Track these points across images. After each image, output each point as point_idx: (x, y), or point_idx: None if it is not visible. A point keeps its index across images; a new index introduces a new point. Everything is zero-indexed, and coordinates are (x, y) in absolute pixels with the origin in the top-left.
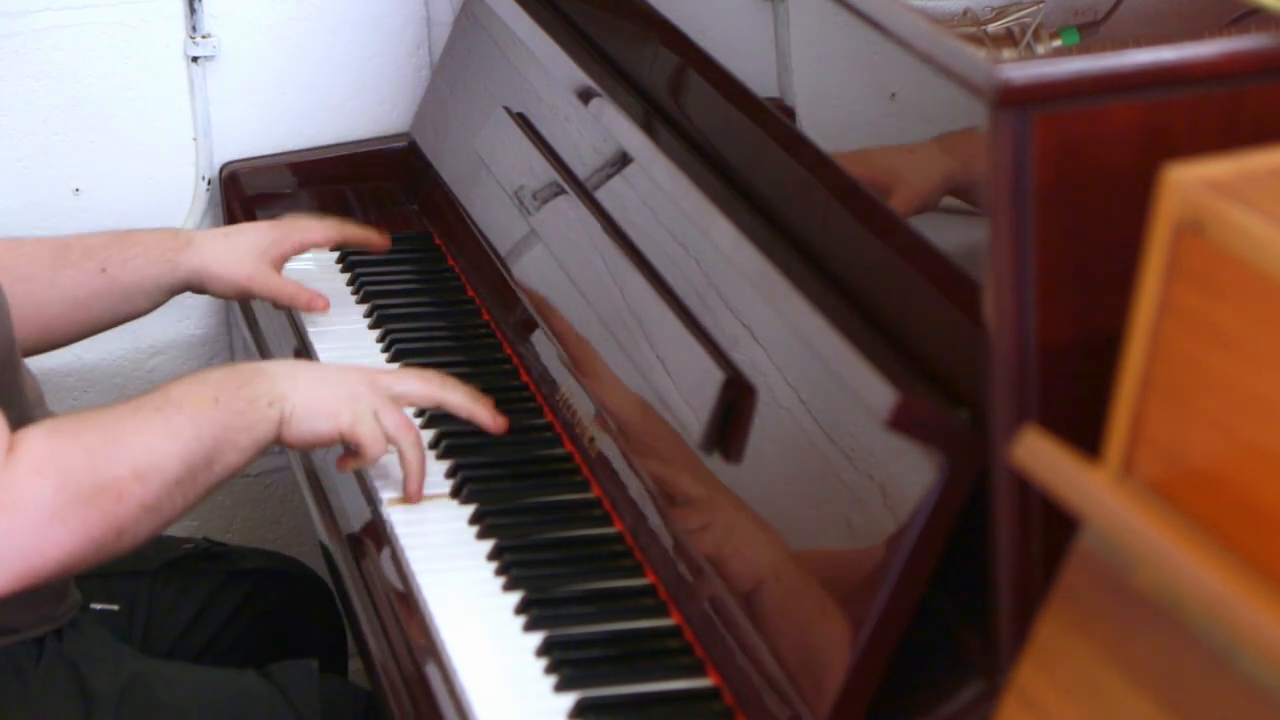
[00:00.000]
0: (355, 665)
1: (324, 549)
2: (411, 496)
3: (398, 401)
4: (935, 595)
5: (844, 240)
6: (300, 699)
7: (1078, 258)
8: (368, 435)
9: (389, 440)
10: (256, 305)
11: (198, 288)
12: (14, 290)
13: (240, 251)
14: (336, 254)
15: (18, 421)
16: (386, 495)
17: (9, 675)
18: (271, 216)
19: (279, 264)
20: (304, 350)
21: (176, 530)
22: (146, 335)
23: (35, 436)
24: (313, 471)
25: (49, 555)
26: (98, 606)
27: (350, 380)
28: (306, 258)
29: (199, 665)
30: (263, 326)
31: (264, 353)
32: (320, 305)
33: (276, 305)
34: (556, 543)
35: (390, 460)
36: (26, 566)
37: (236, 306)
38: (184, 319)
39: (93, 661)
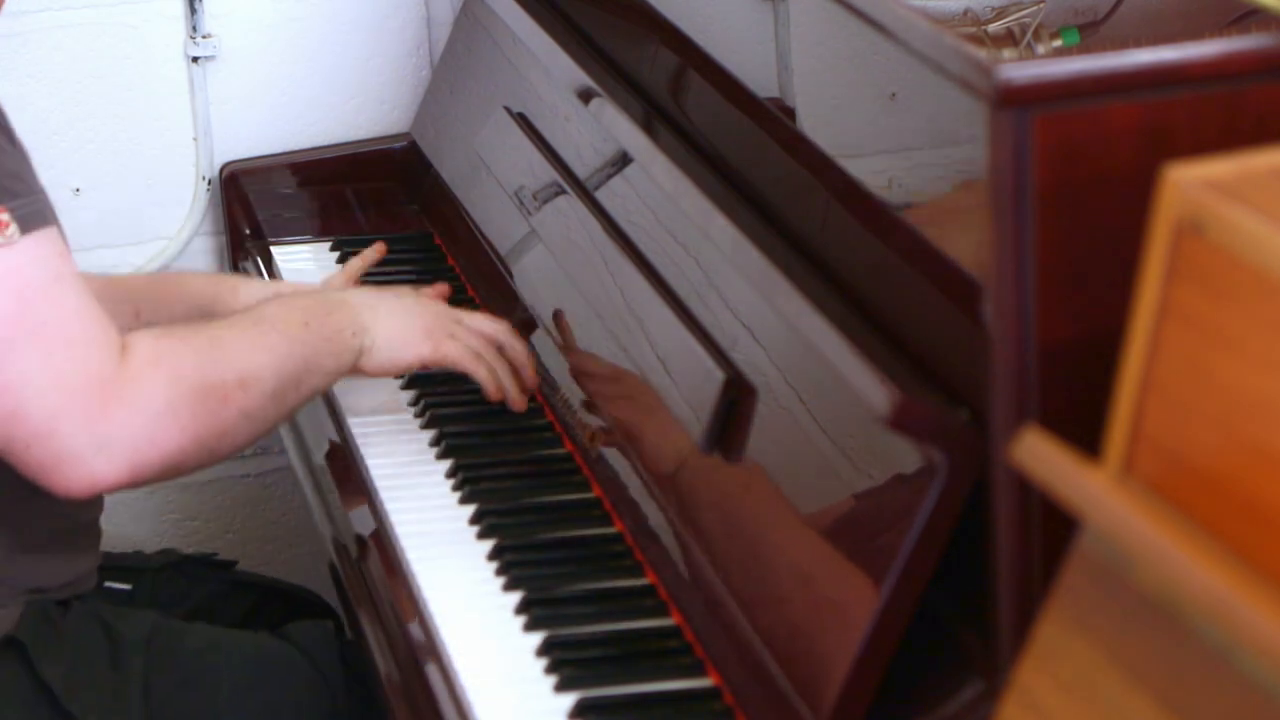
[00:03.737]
0: None
1: (324, 550)
2: (527, 383)
3: (466, 324)
4: (935, 595)
5: (844, 240)
6: (320, 657)
7: (1078, 258)
8: (454, 353)
9: (479, 351)
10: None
11: None
12: None
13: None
14: (336, 254)
15: None
16: (389, 497)
17: (40, 623)
18: (271, 216)
19: None
20: None
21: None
22: None
23: (146, 337)
24: (314, 471)
25: (162, 448)
26: (112, 585)
27: (426, 310)
28: (305, 256)
29: (214, 626)
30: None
31: None
32: None
33: None
34: (556, 543)
35: (389, 459)
36: (141, 459)
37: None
38: None
39: (118, 614)
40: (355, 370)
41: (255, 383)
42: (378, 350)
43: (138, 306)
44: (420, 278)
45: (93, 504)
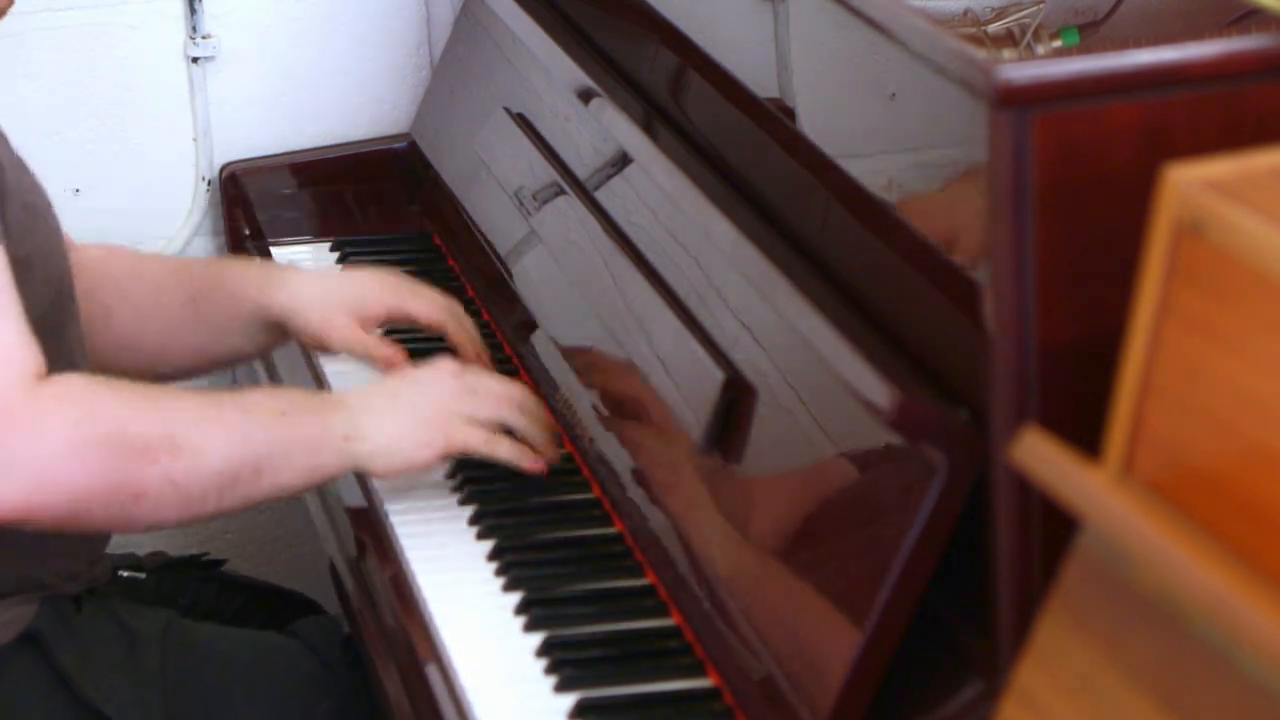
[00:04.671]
0: None
1: (324, 550)
2: (544, 456)
3: (480, 395)
4: (935, 595)
5: (844, 240)
6: (326, 652)
7: (1078, 258)
8: (469, 442)
9: (496, 429)
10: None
11: (285, 328)
12: (144, 319)
13: (329, 300)
14: (336, 254)
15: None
16: (389, 498)
17: (54, 620)
18: (272, 216)
19: (370, 324)
20: (305, 350)
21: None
22: None
23: (73, 376)
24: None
25: (61, 487)
26: (125, 573)
27: (433, 396)
28: (305, 256)
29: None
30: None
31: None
32: (397, 363)
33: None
34: (556, 543)
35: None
36: (38, 491)
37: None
38: None
39: (131, 608)
40: (363, 473)
41: (191, 452)
42: (386, 454)
43: (193, 294)
44: (420, 278)
45: None
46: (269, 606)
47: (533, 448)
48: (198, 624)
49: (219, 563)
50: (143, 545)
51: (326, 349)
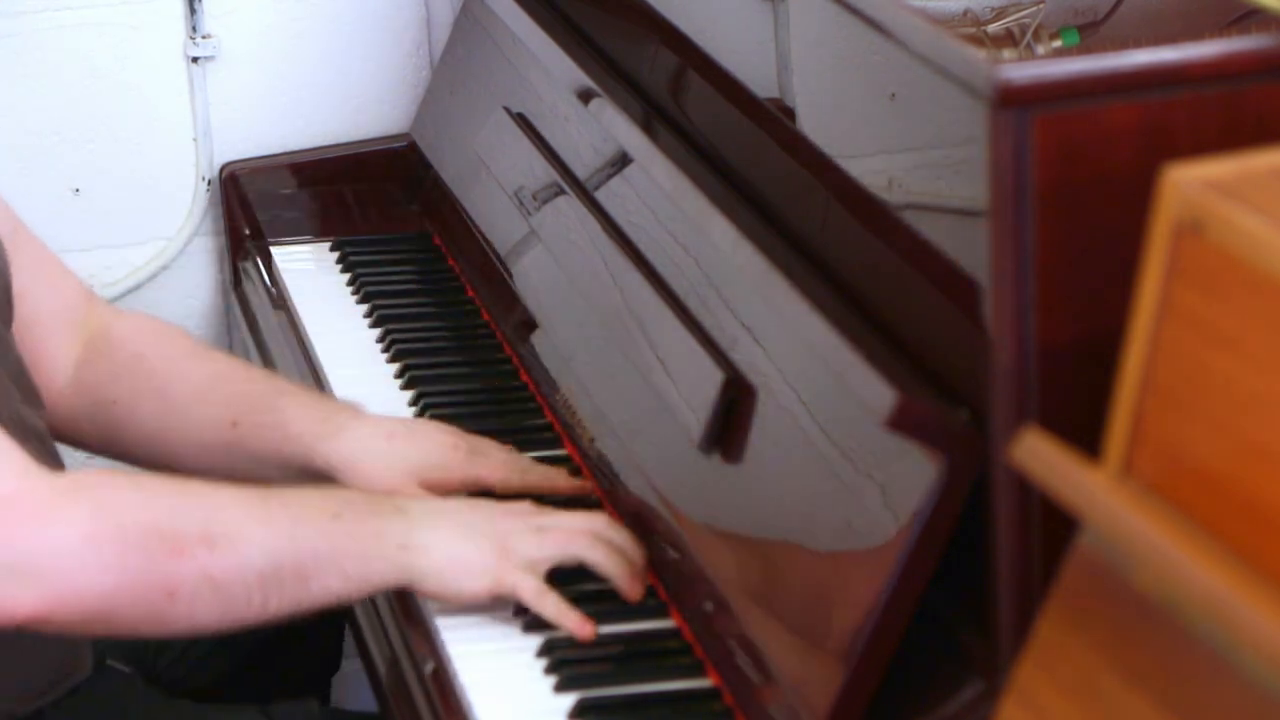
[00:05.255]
0: (355, 665)
1: None
2: (629, 594)
3: (547, 533)
4: (935, 595)
5: (844, 240)
6: None
7: (1078, 258)
8: (520, 588)
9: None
10: (256, 305)
11: (335, 480)
12: (147, 406)
13: (396, 465)
14: (336, 254)
15: None
16: None
17: None
18: (272, 217)
19: (438, 490)
20: (305, 351)
21: None
22: None
23: (85, 471)
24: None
25: (83, 586)
26: (115, 664)
27: (498, 527)
28: (305, 256)
29: (200, 704)
30: (262, 326)
31: (263, 352)
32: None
33: None
34: None
35: None
36: (59, 593)
37: (237, 307)
38: (185, 319)
39: (100, 708)
40: (411, 590)
41: (230, 548)
42: (438, 575)
43: (236, 417)
44: (421, 278)
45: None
46: (271, 652)
47: (616, 582)
48: (167, 715)
49: None
50: None
51: None
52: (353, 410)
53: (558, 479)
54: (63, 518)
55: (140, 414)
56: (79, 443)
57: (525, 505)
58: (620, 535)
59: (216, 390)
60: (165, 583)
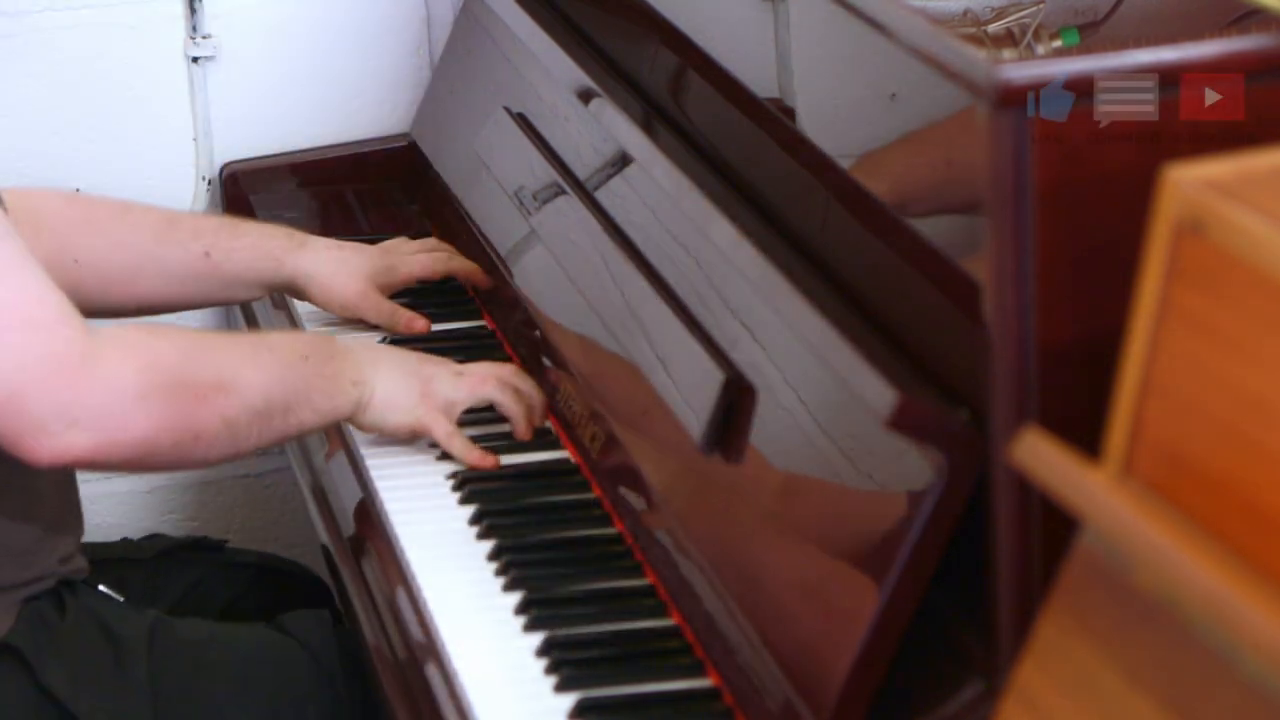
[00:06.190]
0: None
1: (324, 549)
2: (523, 434)
3: (466, 376)
4: (935, 595)
5: (844, 240)
6: (317, 646)
7: (1078, 258)
8: (437, 431)
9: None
10: (256, 305)
11: (297, 292)
12: (111, 257)
13: (353, 269)
14: None
15: None
16: (388, 496)
17: (37, 627)
18: (272, 217)
19: (385, 292)
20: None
21: (177, 525)
22: None
23: (123, 327)
24: (313, 471)
25: (130, 432)
26: (105, 590)
27: (424, 373)
28: None
29: (207, 620)
30: (263, 326)
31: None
32: (419, 326)
33: (377, 326)
34: (556, 543)
35: (389, 459)
36: (109, 437)
37: (237, 307)
38: (185, 319)
39: (115, 614)
40: (349, 422)
41: (238, 392)
42: (372, 408)
43: (209, 247)
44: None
45: (65, 486)
46: (271, 588)
47: (514, 422)
48: (185, 622)
49: (220, 544)
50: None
51: (354, 316)
52: (300, 233)
53: (475, 270)
54: (113, 371)
55: (106, 266)
56: None
57: (442, 363)
58: (526, 383)
59: (177, 228)
60: (193, 425)
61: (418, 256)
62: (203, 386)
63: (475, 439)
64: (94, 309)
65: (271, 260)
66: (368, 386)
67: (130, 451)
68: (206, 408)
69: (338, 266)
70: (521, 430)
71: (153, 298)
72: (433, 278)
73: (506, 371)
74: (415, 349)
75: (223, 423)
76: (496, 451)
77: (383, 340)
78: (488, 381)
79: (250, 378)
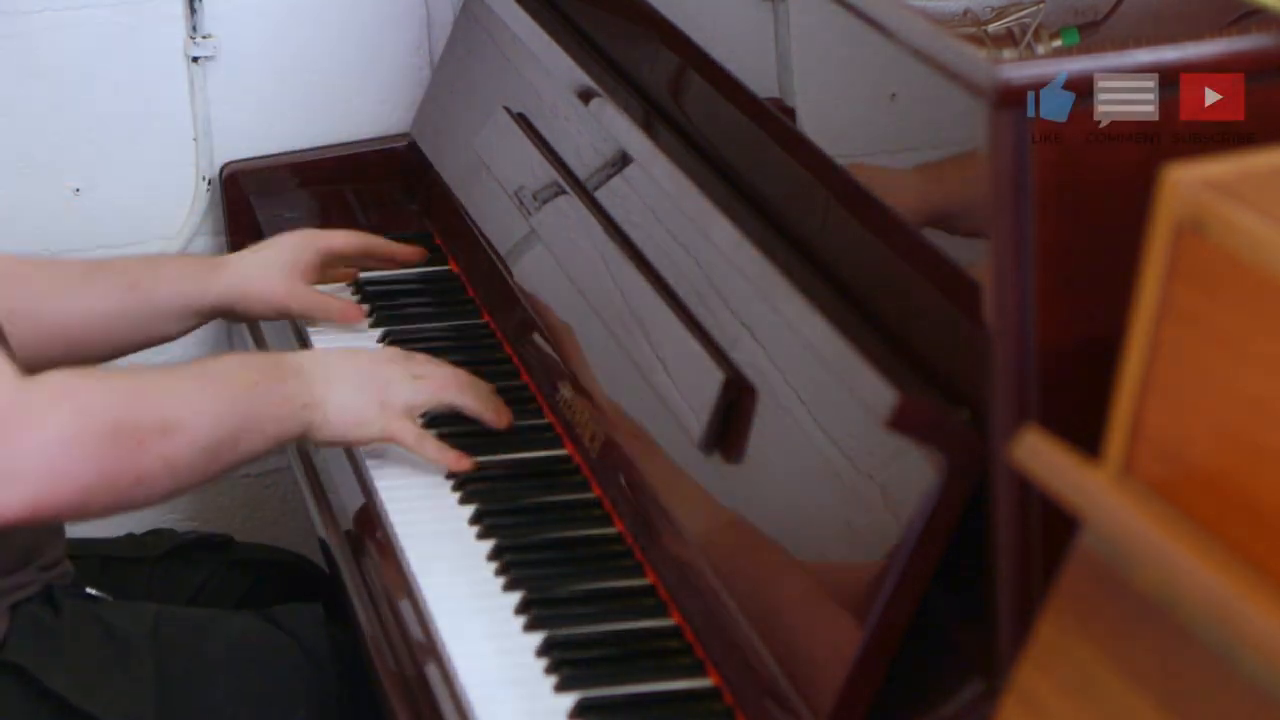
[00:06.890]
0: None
1: (324, 549)
2: (496, 424)
3: (424, 381)
4: (935, 595)
5: (844, 240)
6: (309, 641)
7: (1078, 258)
8: (402, 436)
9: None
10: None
11: (230, 311)
12: (40, 308)
13: (273, 267)
14: None
15: None
16: (388, 496)
17: (37, 630)
18: (272, 216)
19: (310, 276)
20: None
21: (178, 525)
22: None
23: (58, 373)
24: (313, 471)
25: (66, 483)
26: (92, 591)
27: (380, 379)
28: None
29: (200, 610)
30: (262, 326)
31: (263, 349)
32: (354, 316)
33: (312, 319)
34: (556, 543)
35: (389, 459)
36: (43, 492)
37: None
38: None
39: (110, 609)
40: (304, 440)
41: (182, 431)
42: (328, 426)
43: (134, 281)
44: (421, 278)
45: None
46: (276, 585)
47: (484, 422)
48: (184, 613)
49: (226, 541)
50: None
51: (288, 316)
52: (220, 256)
53: (394, 245)
54: (46, 423)
55: (37, 316)
56: None
57: (397, 351)
58: (480, 382)
59: (101, 270)
60: (134, 469)
61: (336, 231)
62: (143, 430)
63: (467, 438)
64: (35, 363)
65: (197, 283)
66: (319, 408)
67: (66, 503)
68: (147, 451)
69: (258, 271)
70: (495, 421)
71: (84, 342)
72: (351, 250)
73: (463, 374)
74: (415, 347)
75: (165, 465)
76: (491, 449)
77: (382, 338)
78: (448, 388)
79: (195, 416)
